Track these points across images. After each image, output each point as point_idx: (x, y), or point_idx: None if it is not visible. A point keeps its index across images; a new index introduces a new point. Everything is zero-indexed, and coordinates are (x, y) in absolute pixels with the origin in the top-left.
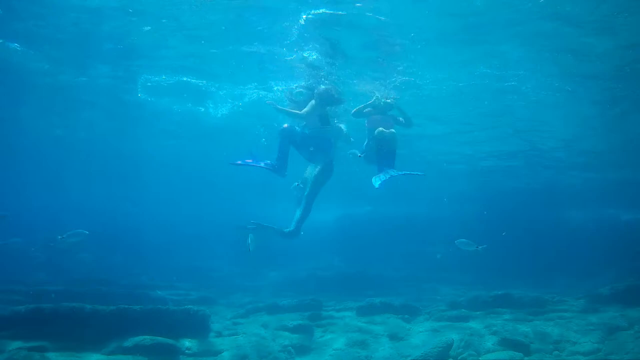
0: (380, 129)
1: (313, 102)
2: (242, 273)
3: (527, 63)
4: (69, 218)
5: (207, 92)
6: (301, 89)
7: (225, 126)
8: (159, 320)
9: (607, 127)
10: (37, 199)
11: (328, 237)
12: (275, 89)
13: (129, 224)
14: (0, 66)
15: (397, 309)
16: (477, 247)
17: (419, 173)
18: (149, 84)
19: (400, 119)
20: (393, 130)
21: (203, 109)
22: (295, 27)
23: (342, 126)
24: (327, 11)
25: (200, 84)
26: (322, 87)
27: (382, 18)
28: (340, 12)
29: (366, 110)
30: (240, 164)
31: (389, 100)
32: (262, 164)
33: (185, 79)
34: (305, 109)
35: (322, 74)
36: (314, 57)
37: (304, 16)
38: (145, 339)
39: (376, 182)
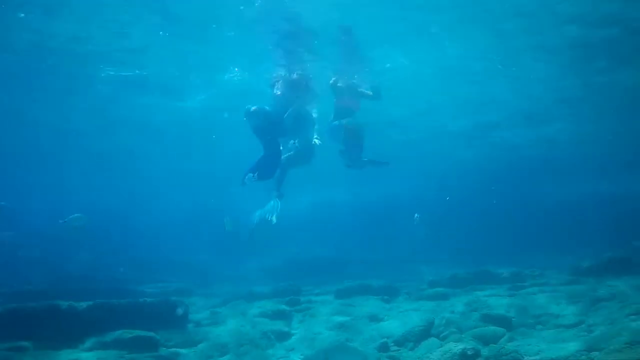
0: (347, 121)
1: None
2: (220, 263)
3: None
4: (43, 213)
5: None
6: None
7: (200, 117)
8: (138, 313)
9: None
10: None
11: (306, 223)
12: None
13: (104, 218)
14: None
15: (377, 290)
16: (415, 216)
17: (385, 162)
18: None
19: (369, 92)
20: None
21: (177, 101)
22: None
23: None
24: None
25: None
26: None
27: None
28: None
29: (340, 84)
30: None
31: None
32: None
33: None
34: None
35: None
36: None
37: None
38: (124, 332)
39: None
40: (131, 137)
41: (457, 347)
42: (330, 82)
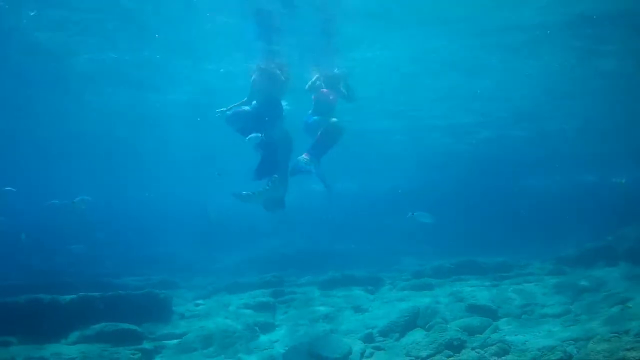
0: (335, 119)
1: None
2: (203, 257)
3: None
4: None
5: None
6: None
7: (183, 110)
8: (121, 305)
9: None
10: None
11: (289, 215)
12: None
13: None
14: None
15: (361, 280)
16: (411, 214)
17: (328, 187)
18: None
19: (344, 91)
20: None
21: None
22: None
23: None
24: None
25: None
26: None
27: None
28: None
29: (318, 82)
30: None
31: (338, 71)
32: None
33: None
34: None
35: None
36: None
37: None
38: (108, 325)
39: (301, 164)
40: (117, 129)
41: (443, 338)
42: (313, 79)
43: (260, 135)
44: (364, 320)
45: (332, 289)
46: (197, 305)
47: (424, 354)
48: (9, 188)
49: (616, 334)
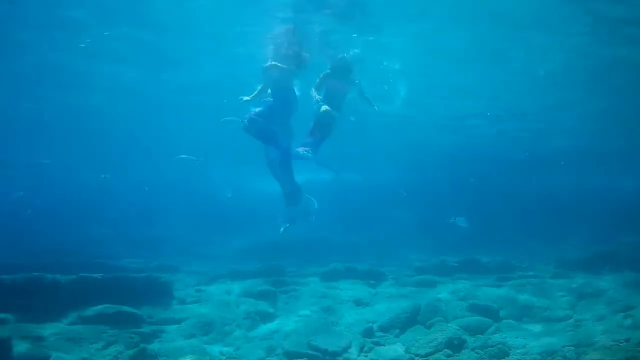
0: (324, 108)
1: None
2: (205, 241)
3: None
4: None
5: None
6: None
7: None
8: (121, 288)
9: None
10: None
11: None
12: None
13: (85, 194)
14: None
15: (363, 274)
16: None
17: (334, 170)
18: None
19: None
20: (334, 112)
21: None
22: None
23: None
24: None
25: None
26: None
27: None
28: None
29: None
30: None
31: (345, 55)
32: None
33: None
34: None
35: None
36: None
37: None
38: (107, 307)
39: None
40: (122, 112)
41: (443, 336)
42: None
43: (241, 119)
44: (365, 315)
45: (334, 281)
46: (198, 291)
47: (423, 351)
48: (104, 176)
49: (617, 342)
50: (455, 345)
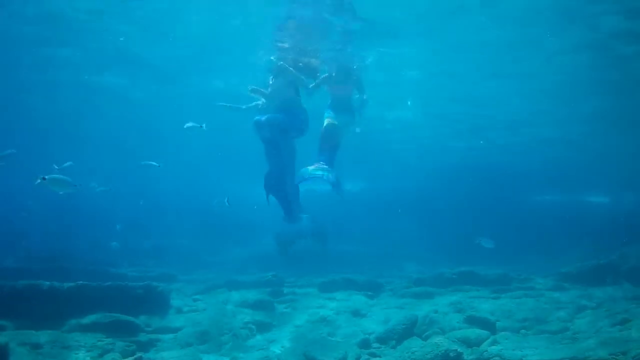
0: (327, 121)
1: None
2: (204, 249)
3: None
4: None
5: None
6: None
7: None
8: (119, 296)
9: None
10: None
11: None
12: None
13: (87, 201)
14: None
15: (360, 285)
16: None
17: (341, 195)
18: None
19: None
20: (335, 122)
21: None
22: None
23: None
24: None
25: None
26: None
27: None
28: None
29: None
30: None
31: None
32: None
33: None
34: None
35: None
36: None
37: None
38: (104, 316)
39: (306, 174)
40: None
41: (440, 348)
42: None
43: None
44: (362, 326)
45: (332, 292)
46: (195, 300)
47: None
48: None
49: (614, 355)
50: (451, 357)
